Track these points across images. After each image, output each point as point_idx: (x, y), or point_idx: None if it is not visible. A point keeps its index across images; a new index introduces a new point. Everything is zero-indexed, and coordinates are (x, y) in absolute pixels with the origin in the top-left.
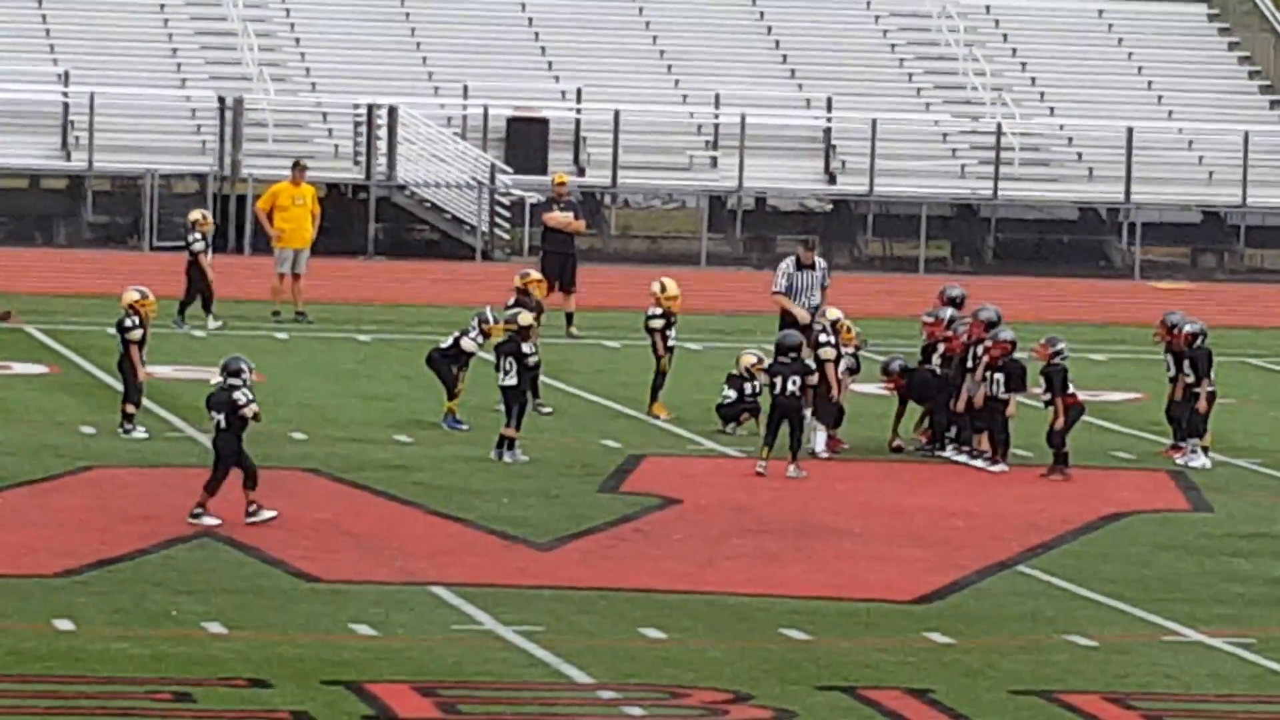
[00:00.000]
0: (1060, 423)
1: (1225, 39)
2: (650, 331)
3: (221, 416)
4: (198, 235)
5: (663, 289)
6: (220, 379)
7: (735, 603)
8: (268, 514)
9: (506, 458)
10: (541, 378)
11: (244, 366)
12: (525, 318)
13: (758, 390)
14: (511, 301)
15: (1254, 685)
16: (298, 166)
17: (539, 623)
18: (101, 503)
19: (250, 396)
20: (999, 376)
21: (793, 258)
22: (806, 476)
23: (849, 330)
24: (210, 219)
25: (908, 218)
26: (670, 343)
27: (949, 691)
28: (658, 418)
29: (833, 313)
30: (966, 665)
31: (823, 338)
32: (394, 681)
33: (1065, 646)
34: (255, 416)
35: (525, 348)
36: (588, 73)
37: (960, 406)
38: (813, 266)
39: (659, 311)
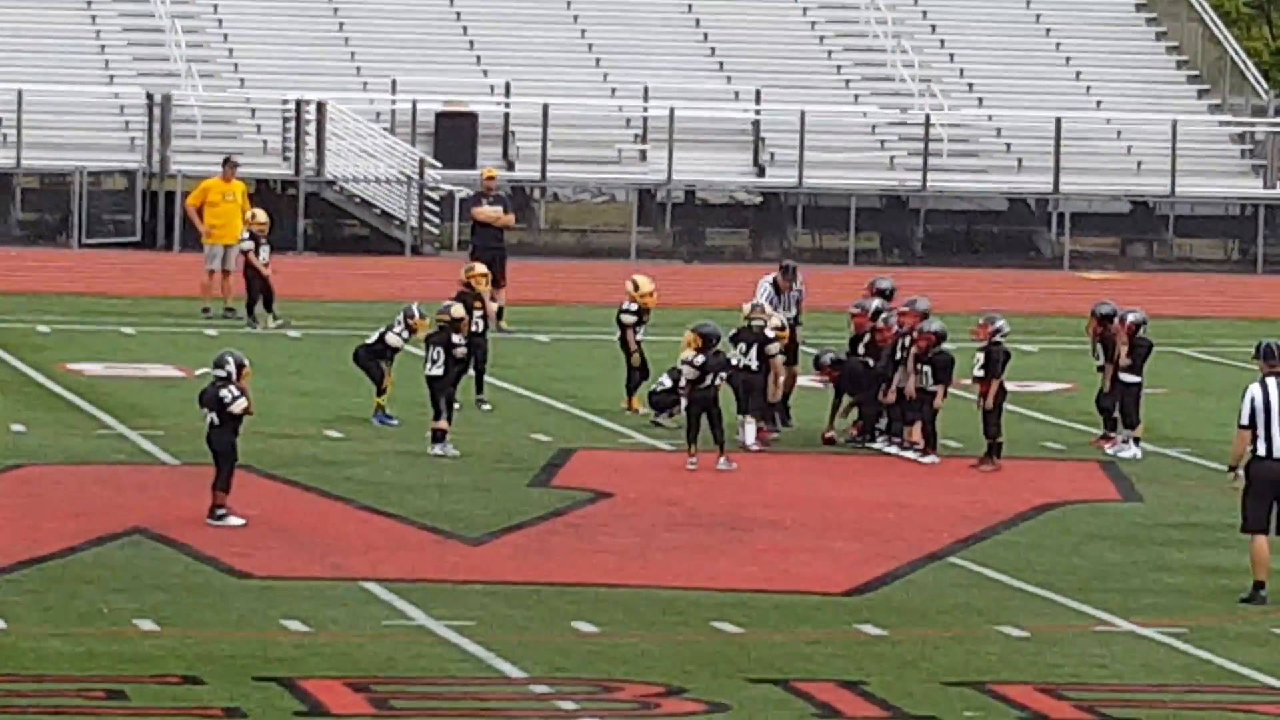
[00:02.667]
0: (989, 403)
1: (1153, 29)
2: (622, 327)
3: (214, 414)
4: (246, 234)
5: (635, 286)
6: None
7: (667, 596)
8: (236, 520)
9: (436, 449)
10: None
11: (229, 359)
12: (458, 310)
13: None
14: (455, 295)
15: (1185, 674)
16: (228, 163)
17: (470, 617)
18: (32, 500)
19: (236, 394)
20: (927, 368)
21: (772, 282)
22: (737, 469)
23: (783, 329)
24: (261, 217)
25: (837, 210)
26: (639, 337)
27: (881, 683)
28: (637, 412)
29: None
30: (899, 657)
31: (770, 333)
32: (326, 677)
33: (997, 637)
34: (246, 411)
35: (455, 339)
36: (516, 67)
37: (890, 397)
38: (790, 289)
39: (633, 307)
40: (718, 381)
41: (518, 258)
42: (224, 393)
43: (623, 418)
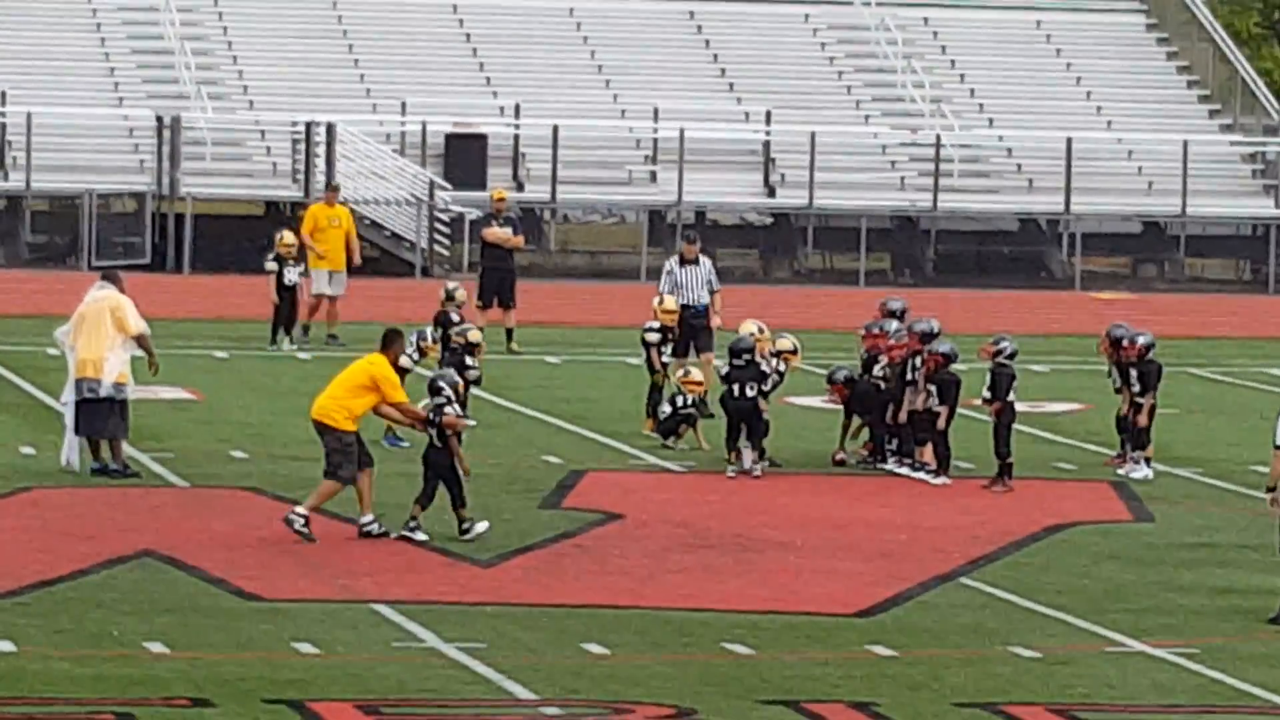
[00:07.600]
0: (995, 418)
1: (1164, 49)
2: (646, 346)
3: (434, 432)
4: (270, 255)
5: (660, 303)
6: (429, 399)
7: (678, 617)
8: (481, 526)
9: None
10: (476, 392)
11: (444, 385)
12: (475, 334)
13: (689, 402)
14: (435, 316)
15: (1197, 695)
16: (331, 187)
17: (481, 639)
18: (41, 523)
19: (460, 413)
20: (934, 388)
21: (676, 255)
22: (761, 477)
23: (794, 353)
24: (287, 239)
25: (848, 230)
26: (664, 359)
27: (893, 705)
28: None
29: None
30: (910, 678)
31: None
32: (336, 700)
33: (1009, 658)
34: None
35: (469, 360)
36: (526, 88)
37: (902, 418)
38: (696, 262)
39: (655, 325)
40: (750, 391)
41: (528, 279)
42: (451, 410)
43: (633, 439)
